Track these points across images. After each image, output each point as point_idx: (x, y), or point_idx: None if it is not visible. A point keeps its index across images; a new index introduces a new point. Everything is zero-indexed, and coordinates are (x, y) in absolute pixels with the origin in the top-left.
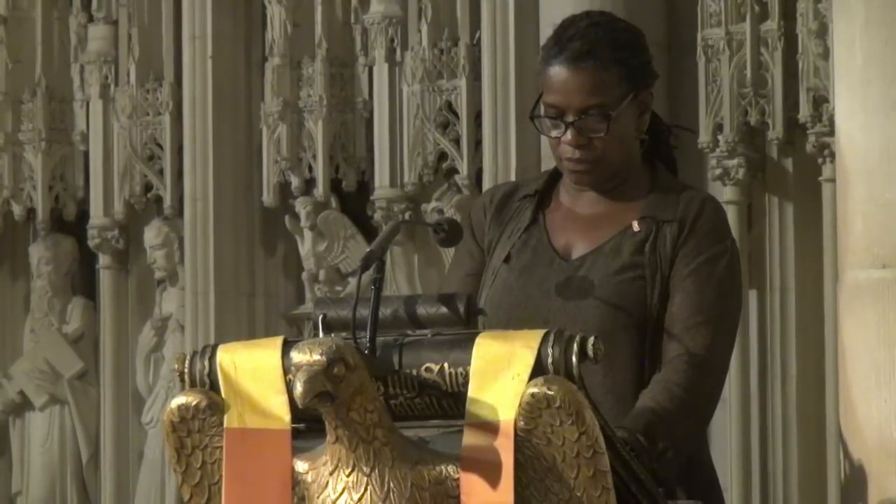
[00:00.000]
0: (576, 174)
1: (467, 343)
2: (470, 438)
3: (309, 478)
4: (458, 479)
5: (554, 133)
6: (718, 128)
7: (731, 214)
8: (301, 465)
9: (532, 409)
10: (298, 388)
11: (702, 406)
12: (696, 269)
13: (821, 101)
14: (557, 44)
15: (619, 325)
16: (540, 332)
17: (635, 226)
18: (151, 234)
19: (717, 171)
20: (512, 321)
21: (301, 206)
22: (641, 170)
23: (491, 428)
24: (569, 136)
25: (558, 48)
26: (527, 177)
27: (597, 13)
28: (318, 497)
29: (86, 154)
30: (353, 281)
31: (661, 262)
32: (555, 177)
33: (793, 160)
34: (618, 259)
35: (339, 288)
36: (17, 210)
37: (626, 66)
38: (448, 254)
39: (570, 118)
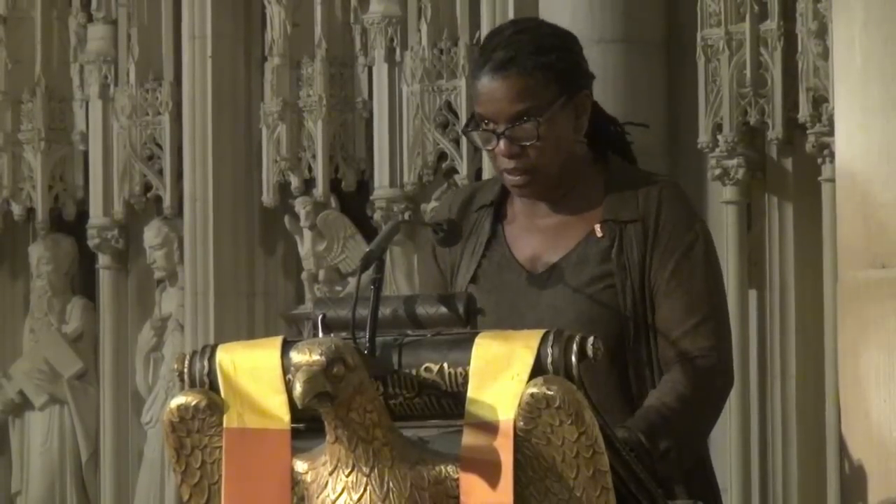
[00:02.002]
0: (516, 187)
1: (467, 343)
2: (469, 438)
3: (308, 478)
4: (457, 479)
5: (487, 146)
6: (718, 128)
7: (731, 214)
8: (300, 465)
9: (531, 409)
10: (298, 389)
11: (710, 405)
12: (677, 268)
13: (820, 101)
14: (483, 55)
15: None
16: (539, 332)
17: (598, 231)
18: (151, 234)
19: (717, 171)
20: None
21: (301, 206)
22: (593, 170)
23: (490, 428)
24: (502, 146)
25: (483, 60)
26: (483, 181)
27: (523, 20)
28: (317, 497)
29: (85, 154)
30: (352, 281)
31: (630, 267)
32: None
33: (792, 160)
34: (586, 270)
35: (338, 288)
36: (17, 210)
37: (553, 69)
38: None
39: (500, 128)
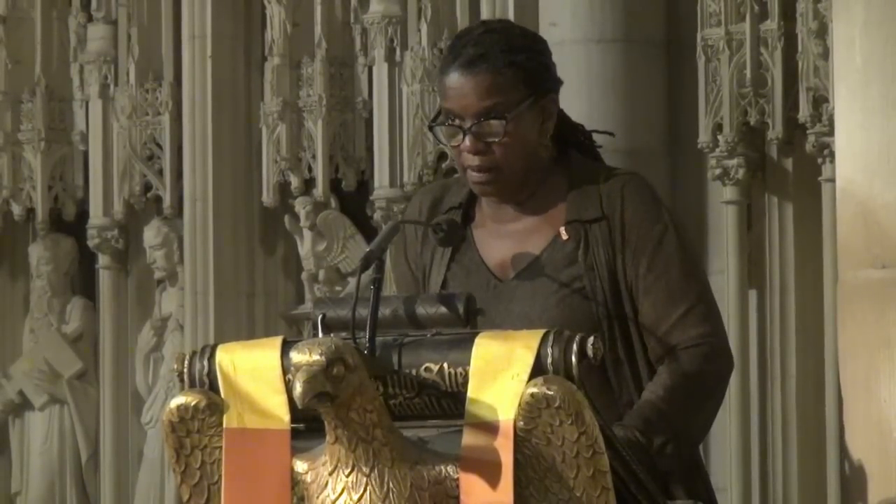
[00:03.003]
0: (479, 186)
1: (467, 343)
2: (469, 438)
3: (308, 478)
4: (457, 479)
5: (453, 141)
6: (718, 128)
7: (731, 214)
8: (300, 465)
9: (531, 409)
10: (298, 389)
11: (708, 393)
12: (651, 263)
13: (820, 101)
14: (452, 52)
15: None
16: (539, 332)
17: (563, 233)
18: (151, 234)
19: (717, 171)
20: None
21: (301, 206)
22: (557, 173)
23: (490, 428)
24: (467, 142)
25: (453, 56)
26: (450, 179)
27: (494, 21)
28: (317, 497)
29: (85, 154)
30: (352, 281)
31: (598, 267)
32: None
33: (792, 160)
34: (555, 275)
35: (338, 288)
36: (17, 210)
37: (522, 69)
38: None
39: (467, 124)
